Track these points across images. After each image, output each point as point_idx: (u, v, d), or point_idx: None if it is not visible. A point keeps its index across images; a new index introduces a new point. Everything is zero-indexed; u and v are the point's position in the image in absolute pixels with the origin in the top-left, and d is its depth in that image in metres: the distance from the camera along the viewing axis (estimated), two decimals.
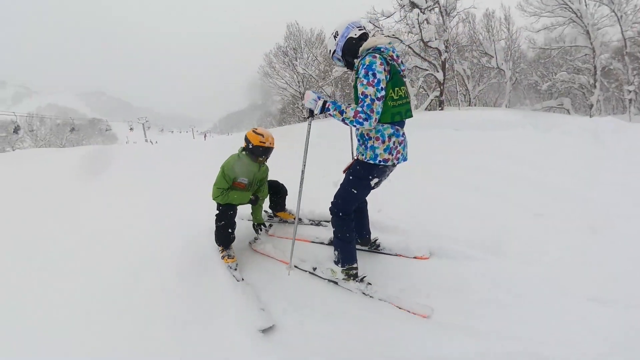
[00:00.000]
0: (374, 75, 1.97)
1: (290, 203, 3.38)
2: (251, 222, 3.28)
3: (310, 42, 20.16)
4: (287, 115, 27.12)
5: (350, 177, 2.31)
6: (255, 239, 3.21)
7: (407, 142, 2.30)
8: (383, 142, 2.14)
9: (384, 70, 2.01)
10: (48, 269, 3.15)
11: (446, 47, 12.83)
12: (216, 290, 2.54)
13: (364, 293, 2.30)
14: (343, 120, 2.08)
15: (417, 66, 12.78)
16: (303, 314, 2.26)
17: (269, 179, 3.27)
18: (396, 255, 2.65)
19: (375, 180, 2.26)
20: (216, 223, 2.89)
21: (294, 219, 2.78)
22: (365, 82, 1.98)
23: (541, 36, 15.76)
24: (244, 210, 3.27)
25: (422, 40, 12.36)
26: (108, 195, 5.57)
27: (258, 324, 2.11)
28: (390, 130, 2.15)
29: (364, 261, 2.57)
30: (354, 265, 2.36)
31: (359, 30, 2.21)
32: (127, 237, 3.60)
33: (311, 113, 2.27)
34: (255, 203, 3.06)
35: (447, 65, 13.05)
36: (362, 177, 2.24)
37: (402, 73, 2.16)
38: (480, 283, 2.25)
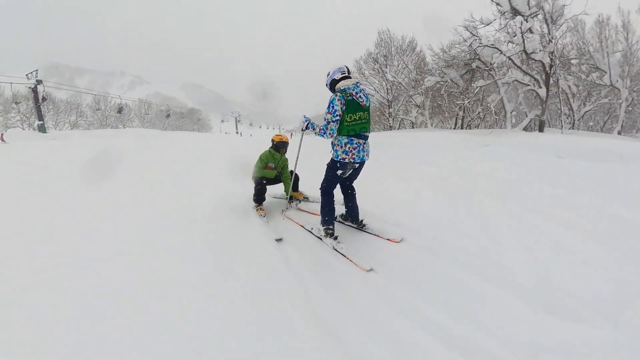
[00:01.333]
0: (333, 107, 3.09)
1: (306, 188, 4.92)
2: (284, 200, 4.85)
3: (401, 49, 19.76)
4: (372, 122, 27.05)
5: (327, 169, 3.45)
6: (287, 208, 4.62)
7: (363, 148, 3.30)
8: (341, 147, 3.23)
9: (340, 104, 3.09)
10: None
11: (551, 59, 11.50)
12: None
13: (334, 248, 3.28)
14: (316, 134, 3.26)
15: (517, 80, 11.70)
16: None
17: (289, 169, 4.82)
18: (375, 235, 3.52)
19: (340, 171, 3.36)
20: (255, 189, 4.54)
21: (302, 197, 4.78)
22: (327, 111, 3.14)
23: None
24: (277, 190, 5.01)
25: (524, 51, 11.32)
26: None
27: (274, 237, 3.68)
28: (345, 140, 3.21)
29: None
30: (331, 227, 3.41)
31: (341, 74, 3.29)
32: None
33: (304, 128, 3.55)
34: (280, 180, 4.76)
35: (551, 81, 11.74)
36: (332, 168, 3.39)
37: (360, 103, 3.18)
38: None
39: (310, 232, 3.71)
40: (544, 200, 4.09)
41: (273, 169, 4.64)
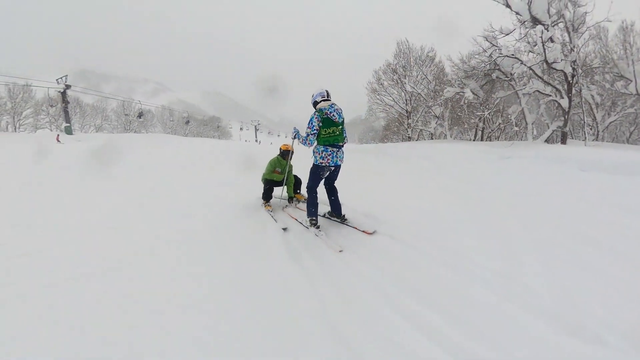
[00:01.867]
0: (311, 124, 3.97)
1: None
2: (285, 200, 5.67)
3: (420, 60, 19.75)
4: (391, 133, 26.95)
5: (310, 172, 4.26)
6: (286, 206, 5.50)
7: (337, 155, 4.13)
8: (319, 154, 4.09)
9: (317, 121, 3.96)
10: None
11: (573, 69, 11.23)
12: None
13: (316, 235, 4.06)
14: (299, 143, 4.26)
15: (538, 91, 11.48)
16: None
17: (293, 173, 5.75)
18: (353, 227, 4.20)
19: (320, 172, 4.21)
20: (264, 189, 5.50)
21: (303, 199, 5.59)
22: (307, 126, 4.03)
23: None
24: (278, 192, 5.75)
25: (545, 60, 11.11)
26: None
27: (281, 226, 4.44)
28: (322, 148, 4.06)
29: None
30: (314, 218, 4.21)
31: (322, 97, 4.06)
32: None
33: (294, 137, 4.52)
34: (286, 183, 5.51)
35: (573, 91, 11.46)
36: (313, 171, 4.22)
37: (334, 120, 4.00)
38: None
39: (301, 223, 4.55)
40: (565, 216, 4.02)
41: (280, 174, 5.52)
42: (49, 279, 3.01)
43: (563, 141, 11.08)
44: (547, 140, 11.54)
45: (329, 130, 4.00)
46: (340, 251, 3.60)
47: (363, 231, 4.03)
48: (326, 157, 4.08)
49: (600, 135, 14.54)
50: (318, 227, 4.14)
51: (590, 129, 14.56)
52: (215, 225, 4.67)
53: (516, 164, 7.02)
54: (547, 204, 4.39)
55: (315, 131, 3.98)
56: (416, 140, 20.43)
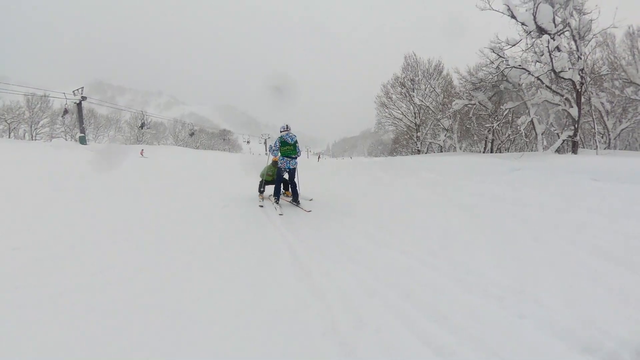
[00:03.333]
0: (275, 143, 6.84)
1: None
2: (272, 200, 7.15)
3: (428, 73, 19.89)
4: (400, 146, 27.00)
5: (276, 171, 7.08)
6: (270, 195, 7.31)
7: (289, 162, 6.83)
8: (280, 161, 6.83)
9: (279, 142, 6.77)
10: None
11: (582, 77, 11.15)
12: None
13: (275, 208, 6.44)
14: (271, 154, 7.25)
15: (547, 100, 11.42)
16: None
17: (285, 177, 7.25)
18: (300, 207, 6.58)
19: (280, 171, 6.97)
20: (259, 184, 7.61)
21: (288, 194, 7.39)
22: (272, 145, 6.97)
23: None
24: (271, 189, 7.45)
25: (553, 70, 11.08)
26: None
27: (279, 213, 6.23)
28: (281, 158, 6.78)
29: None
30: (276, 197, 6.80)
31: (282, 130, 6.93)
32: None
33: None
34: (274, 182, 7.21)
35: (583, 99, 11.38)
36: (277, 171, 7.00)
37: (288, 142, 6.75)
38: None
39: (274, 203, 6.79)
40: (579, 228, 3.96)
41: (270, 176, 7.56)
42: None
43: (574, 151, 10.95)
44: (557, 151, 11.42)
45: (284, 148, 6.77)
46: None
47: (303, 210, 6.44)
48: (282, 163, 6.86)
49: (612, 144, 14.31)
50: (278, 202, 6.79)
51: (602, 137, 14.37)
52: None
53: (527, 175, 6.96)
54: (560, 216, 4.34)
55: (277, 147, 6.80)
56: (425, 154, 20.38)
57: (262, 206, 6.68)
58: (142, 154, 20.44)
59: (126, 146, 26.45)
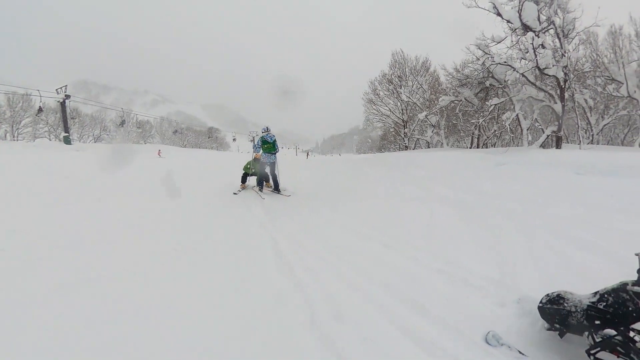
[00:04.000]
0: (259, 142, 8.08)
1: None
2: (255, 186, 8.13)
3: (415, 69, 19.91)
4: (388, 143, 27.04)
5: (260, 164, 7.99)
6: (253, 187, 8.24)
7: (269, 157, 7.95)
8: (263, 156, 7.93)
9: (260, 141, 8.02)
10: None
11: (565, 74, 11.29)
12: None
13: (257, 192, 7.75)
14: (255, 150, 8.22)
15: (531, 97, 11.53)
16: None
17: (266, 171, 8.12)
18: (280, 194, 7.65)
19: (263, 165, 7.96)
20: (242, 175, 8.47)
21: (269, 185, 8.17)
22: (256, 142, 8.19)
23: None
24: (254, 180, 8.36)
25: (537, 67, 11.19)
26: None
27: (263, 198, 7.30)
28: (263, 154, 7.93)
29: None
30: (260, 187, 7.89)
31: (263, 131, 8.10)
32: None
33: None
34: (255, 174, 8.15)
35: (566, 95, 11.52)
36: (260, 165, 7.97)
37: (267, 141, 7.94)
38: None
39: (257, 193, 7.72)
40: (562, 221, 3.97)
41: (251, 169, 8.35)
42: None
43: (558, 145, 11.08)
44: (542, 145, 11.54)
45: (265, 146, 7.92)
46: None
47: (283, 195, 7.60)
48: (264, 158, 7.89)
49: (595, 139, 14.55)
50: (261, 190, 7.80)
51: (585, 132, 14.61)
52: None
53: (512, 170, 7.01)
54: (543, 210, 4.36)
55: (259, 145, 7.96)
56: (413, 149, 20.47)
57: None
58: (159, 154, 20.79)
59: (137, 146, 25.77)
